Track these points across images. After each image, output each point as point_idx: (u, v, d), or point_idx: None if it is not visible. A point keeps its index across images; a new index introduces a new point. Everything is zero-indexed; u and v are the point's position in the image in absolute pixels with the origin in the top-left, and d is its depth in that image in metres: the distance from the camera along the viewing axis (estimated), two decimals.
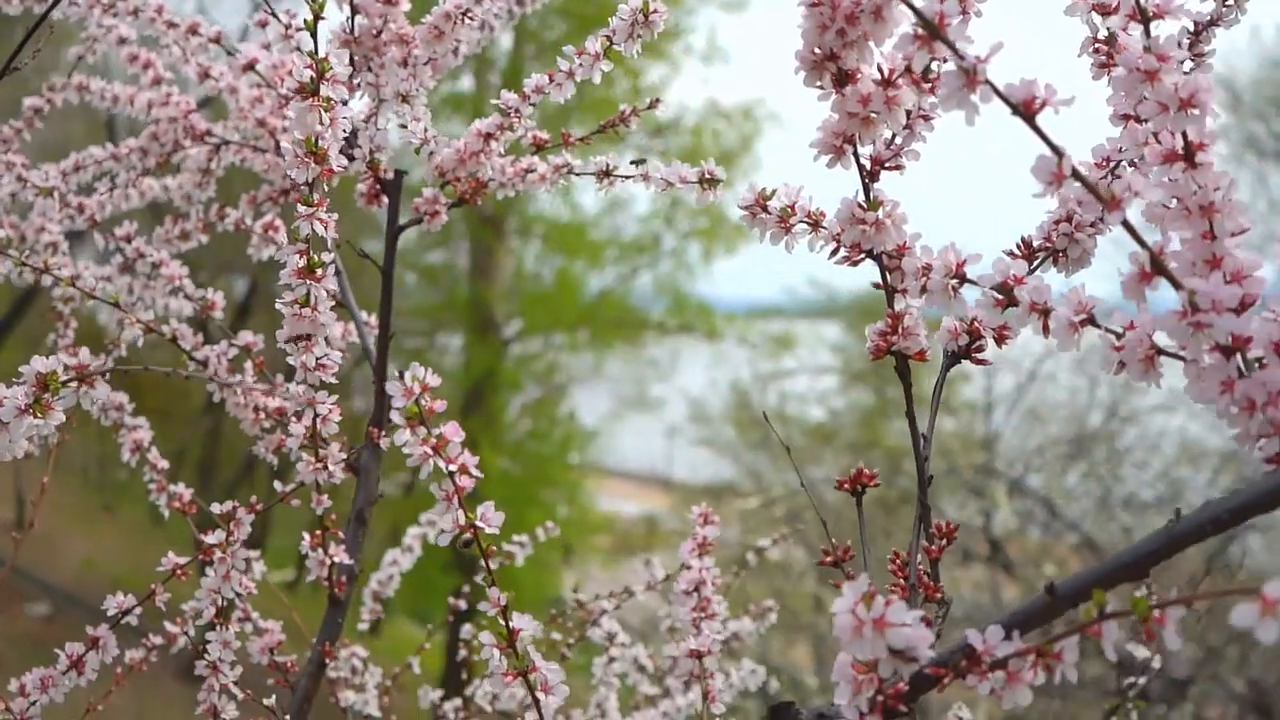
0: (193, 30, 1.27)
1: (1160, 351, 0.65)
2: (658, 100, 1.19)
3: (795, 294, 10.01)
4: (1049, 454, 7.07)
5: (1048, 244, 0.83)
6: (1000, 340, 0.80)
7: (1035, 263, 0.83)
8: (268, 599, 1.30)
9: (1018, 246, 0.83)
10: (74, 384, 0.81)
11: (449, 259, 10.67)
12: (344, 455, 1.09)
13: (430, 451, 0.75)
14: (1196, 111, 0.64)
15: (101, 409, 1.27)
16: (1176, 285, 0.61)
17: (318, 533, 1.13)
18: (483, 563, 0.79)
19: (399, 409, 0.74)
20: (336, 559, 1.14)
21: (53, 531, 8.60)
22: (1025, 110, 0.60)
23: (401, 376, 0.74)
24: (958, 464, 6.70)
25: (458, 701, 1.62)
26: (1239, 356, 0.62)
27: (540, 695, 0.79)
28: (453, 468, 0.76)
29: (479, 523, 0.77)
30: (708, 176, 1.05)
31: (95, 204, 1.42)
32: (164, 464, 1.25)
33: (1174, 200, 0.67)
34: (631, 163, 1.14)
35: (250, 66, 1.24)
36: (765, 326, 10.60)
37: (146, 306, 1.38)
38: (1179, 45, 0.85)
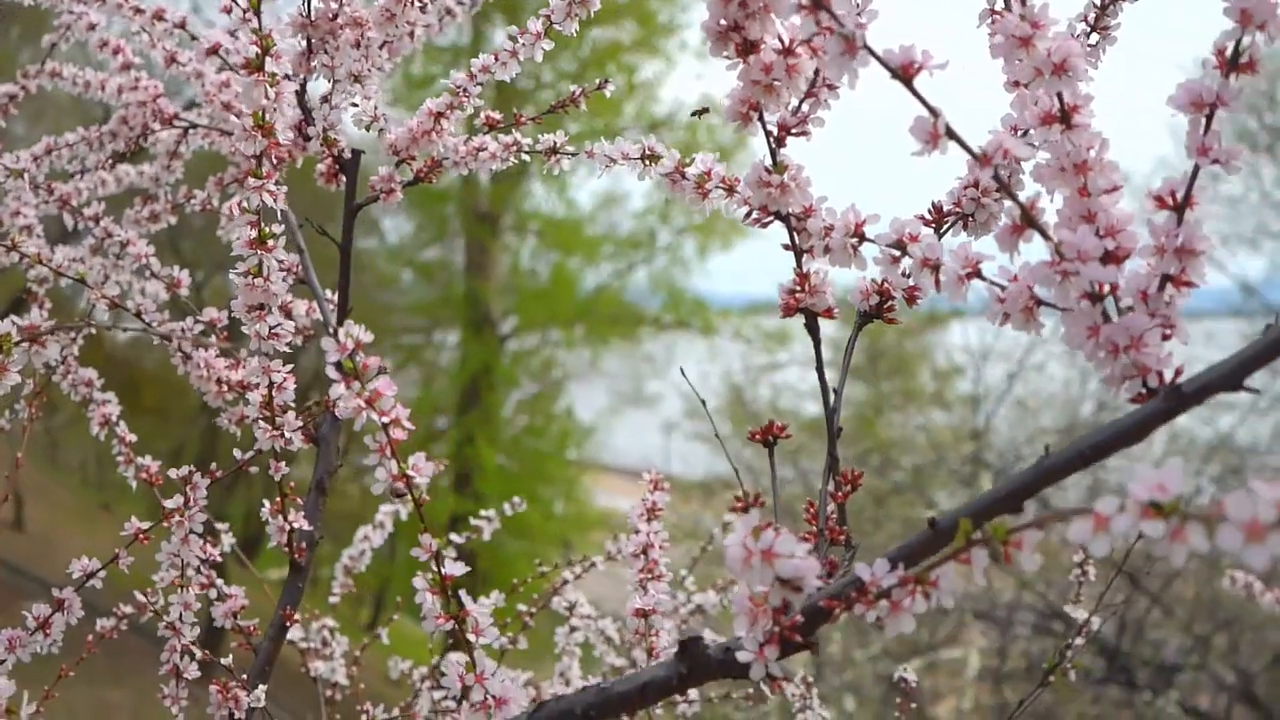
0: (158, 16, 1.31)
1: (1040, 302, 0.69)
2: (606, 81, 1.23)
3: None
4: (1039, 445, 7.10)
5: (957, 208, 0.87)
6: (910, 300, 0.84)
7: (945, 226, 0.87)
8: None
9: (929, 211, 0.87)
10: (25, 344, 0.85)
11: (445, 256, 10.72)
12: (300, 423, 1.13)
13: (364, 405, 0.79)
14: (1070, 75, 0.68)
15: (71, 385, 1.32)
16: (1046, 236, 0.65)
17: (277, 499, 1.17)
18: (417, 513, 0.83)
19: (333, 363, 0.78)
20: (296, 525, 1.18)
21: (51, 530, 8.64)
22: (904, 74, 0.64)
23: (336, 334, 0.78)
24: (947, 455, 6.74)
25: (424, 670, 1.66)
26: (1108, 303, 0.66)
27: (471, 638, 0.83)
28: (386, 420, 0.79)
29: (411, 473, 0.81)
30: (648, 153, 1.09)
31: (71, 189, 1.46)
32: (132, 437, 1.29)
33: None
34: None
35: (214, 51, 1.28)
36: (761, 322, 10.63)
37: (119, 287, 1.42)
38: (1084, 19, 0.89)
